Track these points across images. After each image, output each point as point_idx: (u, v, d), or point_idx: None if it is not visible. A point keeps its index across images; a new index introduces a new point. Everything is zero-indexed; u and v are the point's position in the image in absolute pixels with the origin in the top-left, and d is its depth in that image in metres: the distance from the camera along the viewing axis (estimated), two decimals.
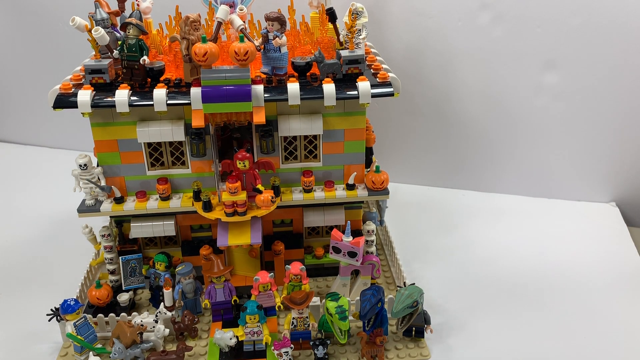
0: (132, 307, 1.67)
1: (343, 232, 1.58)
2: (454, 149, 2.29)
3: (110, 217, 1.75)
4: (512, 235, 2.06)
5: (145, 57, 1.48)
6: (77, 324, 1.48)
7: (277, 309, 1.53)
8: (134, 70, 1.51)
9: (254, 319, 1.47)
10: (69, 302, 1.47)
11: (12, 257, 1.95)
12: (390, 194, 1.67)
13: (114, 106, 1.48)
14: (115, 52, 1.52)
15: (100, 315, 1.57)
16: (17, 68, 2.57)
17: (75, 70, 1.62)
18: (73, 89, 1.51)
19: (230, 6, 1.56)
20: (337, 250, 1.59)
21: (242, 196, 1.53)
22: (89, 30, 1.52)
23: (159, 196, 1.63)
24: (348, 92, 1.52)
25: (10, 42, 2.50)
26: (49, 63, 2.44)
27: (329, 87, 1.51)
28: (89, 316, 1.53)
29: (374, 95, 1.52)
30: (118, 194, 1.61)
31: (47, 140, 2.72)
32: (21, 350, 1.56)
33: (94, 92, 1.50)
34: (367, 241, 1.68)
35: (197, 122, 1.46)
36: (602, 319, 1.65)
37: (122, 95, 1.48)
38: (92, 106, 1.48)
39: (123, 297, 1.66)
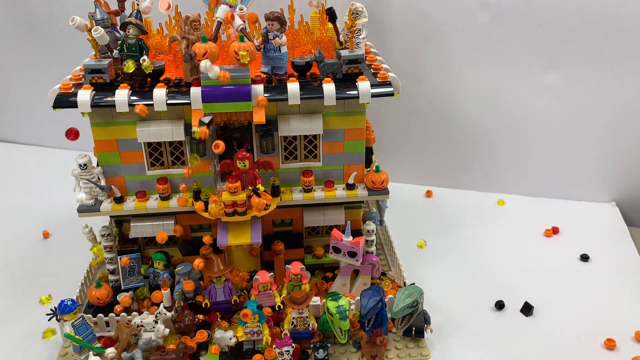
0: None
1: (343, 232, 1.58)
2: (454, 149, 2.29)
3: (110, 216, 1.75)
4: (512, 235, 2.05)
5: (145, 57, 1.48)
6: (75, 323, 1.48)
7: (277, 308, 1.53)
8: (134, 69, 1.51)
9: (254, 319, 1.47)
10: (65, 302, 1.47)
11: (12, 257, 1.94)
12: (390, 194, 1.67)
13: (114, 106, 1.48)
14: (115, 51, 1.52)
15: (100, 315, 1.56)
16: (17, 68, 2.57)
17: (75, 70, 1.62)
18: (73, 89, 1.51)
19: (230, 6, 1.56)
20: (337, 250, 1.59)
21: (242, 196, 1.53)
22: (89, 30, 1.52)
23: (159, 196, 1.63)
24: (348, 92, 1.52)
25: (10, 41, 2.50)
26: (49, 63, 2.44)
27: (329, 87, 1.51)
28: (88, 316, 1.53)
29: (374, 95, 1.52)
30: (118, 194, 1.61)
31: (47, 140, 2.71)
32: (21, 350, 1.56)
33: (94, 91, 1.50)
34: (367, 241, 1.68)
35: (197, 121, 1.45)
36: (602, 319, 1.65)
37: (122, 95, 1.48)
38: (92, 106, 1.48)
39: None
